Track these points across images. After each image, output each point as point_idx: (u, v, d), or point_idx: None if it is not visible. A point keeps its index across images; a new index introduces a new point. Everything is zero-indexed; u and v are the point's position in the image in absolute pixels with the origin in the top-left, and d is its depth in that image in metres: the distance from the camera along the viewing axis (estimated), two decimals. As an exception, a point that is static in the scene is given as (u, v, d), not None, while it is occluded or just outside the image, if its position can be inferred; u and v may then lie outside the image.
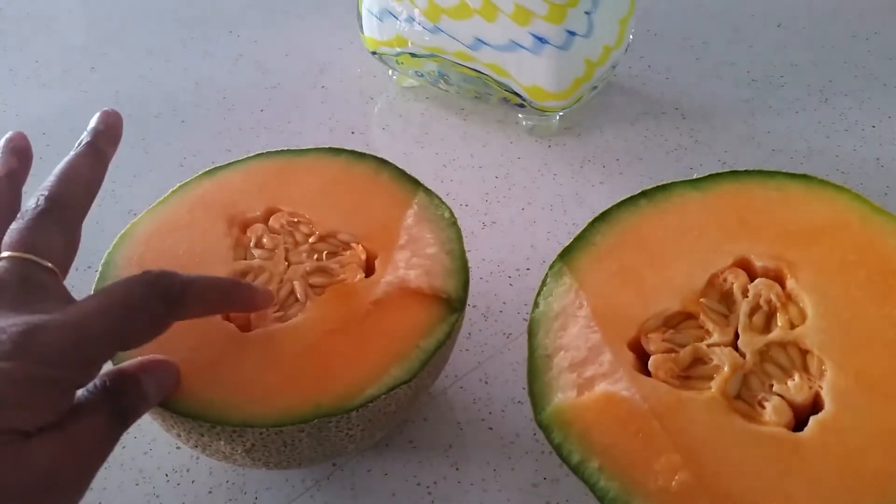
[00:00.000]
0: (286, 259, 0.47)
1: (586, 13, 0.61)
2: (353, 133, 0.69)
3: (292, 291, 0.45)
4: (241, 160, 0.51)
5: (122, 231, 0.48)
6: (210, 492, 0.47)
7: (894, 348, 0.39)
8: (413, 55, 0.67)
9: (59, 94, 0.75)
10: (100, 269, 0.46)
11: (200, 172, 0.51)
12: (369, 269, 0.46)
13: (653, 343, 0.42)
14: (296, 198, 0.49)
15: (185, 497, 0.46)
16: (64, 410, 0.35)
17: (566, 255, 0.45)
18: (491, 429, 0.49)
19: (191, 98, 0.74)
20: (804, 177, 0.46)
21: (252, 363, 0.41)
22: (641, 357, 0.42)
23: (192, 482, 0.47)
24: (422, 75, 0.69)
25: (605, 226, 0.45)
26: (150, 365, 0.39)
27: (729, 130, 0.68)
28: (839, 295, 0.41)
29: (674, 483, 0.37)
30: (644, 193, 0.46)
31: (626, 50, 0.68)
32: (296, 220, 0.48)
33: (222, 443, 0.40)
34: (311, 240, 0.47)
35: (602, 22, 0.62)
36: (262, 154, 0.52)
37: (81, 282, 0.57)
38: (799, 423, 0.39)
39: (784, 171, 0.47)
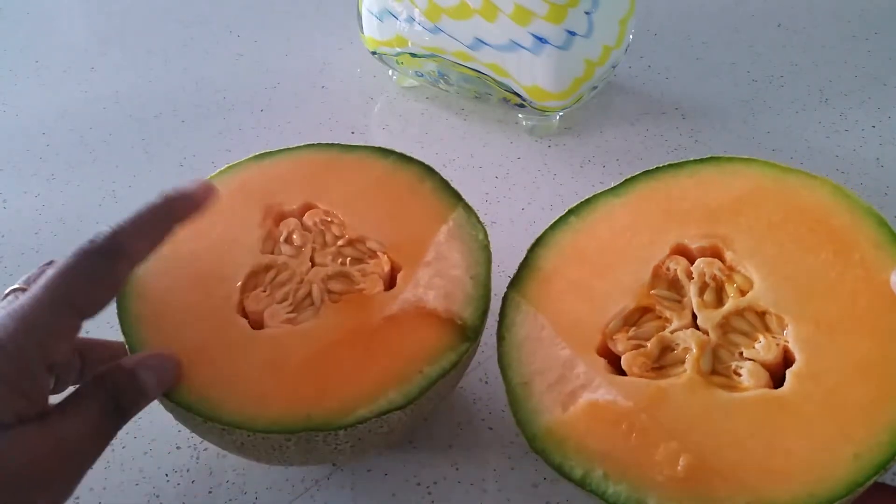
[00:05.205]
0: (311, 259, 0.46)
1: (586, 13, 0.61)
2: (353, 133, 0.69)
3: (309, 294, 0.45)
4: (291, 149, 0.51)
5: None
6: (210, 492, 0.47)
7: (840, 288, 0.41)
8: (413, 55, 0.67)
9: (59, 94, 0.75)
10: None
11: (250, 156, 0.50)
12: (391, 281, 0.45)
13: (619, 343, 0.42)
14: (335, 196, 0.48)
15: (185, 497, 0.46)
16: (40, 396, 0.35)
17: (516, 284, 0.45)
18: (491, 429, 0.49)
19: (191, 98, 0.74)
20: (713, 158, 0.47)
21: (255, 363, 0.41)
22: (613, 361, 0.42)
23: (192, 482, 0.47)
24: (422, 75, 0.69)
25: (543, 249, 0.46)
26: (148, 359, 0.39)
27: (729, 130, 0.68)
28: (776, 254, 0.43)
29: (679, 469, 0.37)
30: (571, 211, 0.47)
31: (626, 50, 0.68)
32: (329, 219, 0.48)
33: (214, 437, 0.41)
34: (339, 243, 0.47)
35: (602, 22, 0.62)
36: (312, 145, 0.51)
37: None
38: (777, 382, 0.39)
39: (692, 158, 0.48)
